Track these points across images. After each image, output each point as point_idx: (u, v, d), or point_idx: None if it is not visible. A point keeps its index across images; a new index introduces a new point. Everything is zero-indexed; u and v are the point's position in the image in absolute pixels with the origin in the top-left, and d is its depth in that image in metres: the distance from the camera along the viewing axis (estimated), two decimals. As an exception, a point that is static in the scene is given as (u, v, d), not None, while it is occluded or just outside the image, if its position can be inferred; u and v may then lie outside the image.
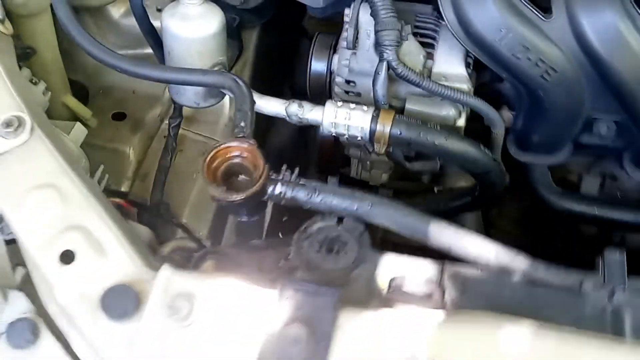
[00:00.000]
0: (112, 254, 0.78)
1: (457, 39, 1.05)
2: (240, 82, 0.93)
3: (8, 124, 0.83)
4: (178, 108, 1.29)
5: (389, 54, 1.04)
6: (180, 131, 1.36)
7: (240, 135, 0.84)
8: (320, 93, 1.24)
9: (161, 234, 1.22)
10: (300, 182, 0.85)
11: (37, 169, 0.83)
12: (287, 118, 1.06)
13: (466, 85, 1.12)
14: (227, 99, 1.34)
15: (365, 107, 1.04)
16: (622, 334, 0.77)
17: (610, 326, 0.78)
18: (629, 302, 0.79)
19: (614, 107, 1.07)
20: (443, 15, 1.04)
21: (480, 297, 0.80)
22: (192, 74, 0.99)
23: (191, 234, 1.28)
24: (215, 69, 1.08)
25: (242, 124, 0.85)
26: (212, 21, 1.06)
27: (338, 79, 1.17)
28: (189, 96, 1.14)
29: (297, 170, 0.86)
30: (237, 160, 0.83)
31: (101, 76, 1.52)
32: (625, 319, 0.78)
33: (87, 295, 0.76)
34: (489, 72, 1.15)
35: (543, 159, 1.20)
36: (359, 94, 1.16)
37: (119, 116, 1.49)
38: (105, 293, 0.74)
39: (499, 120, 1.12)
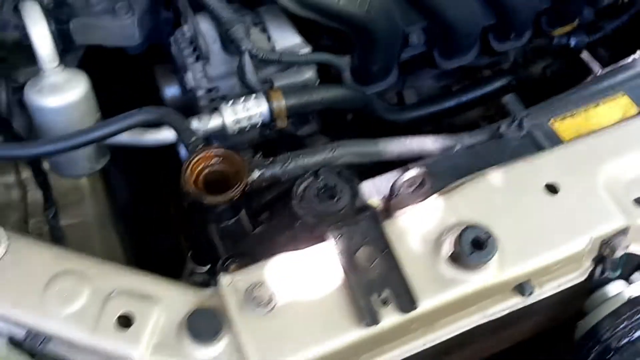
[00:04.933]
0: (163, 296, 0.79)
1: (291, 12, 1.20)
2: (163, 109, 0.97)
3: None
4: (47, 198, 1.24)
5: (247, 44, 1.16)
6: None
7: (202, 145, 0.90)
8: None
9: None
10: (270, 161, 0.93)
11: (36, 266, 0.79)
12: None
13: (307, 49, 1.28)
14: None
15: (252, 96, 1.15)
16: (542, 147, 1.02)
17: (533, 146, 1.02)
18: (533, 123, 1.04)
19: (418, 17, 1.33)
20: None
21: (443, 173, 0.98)
22: (118, 121, 0.98)
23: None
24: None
25: (193, 138, 0.91)
26: (81, 81, 1.06)
27: (200, 92, 1.24)
28: (81, 163, 1.12)
29: (259, 154, 0.94)
30: (216, 164, 0.88)
31: None
32: (537, 136, 1.03)
33: (168, 341, 0.77)
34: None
35: (380, 86, 1.42)
36: (224, 97, 1.24)
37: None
38: (189, 321, 0.76)
39: (344, 63, 1.31)
